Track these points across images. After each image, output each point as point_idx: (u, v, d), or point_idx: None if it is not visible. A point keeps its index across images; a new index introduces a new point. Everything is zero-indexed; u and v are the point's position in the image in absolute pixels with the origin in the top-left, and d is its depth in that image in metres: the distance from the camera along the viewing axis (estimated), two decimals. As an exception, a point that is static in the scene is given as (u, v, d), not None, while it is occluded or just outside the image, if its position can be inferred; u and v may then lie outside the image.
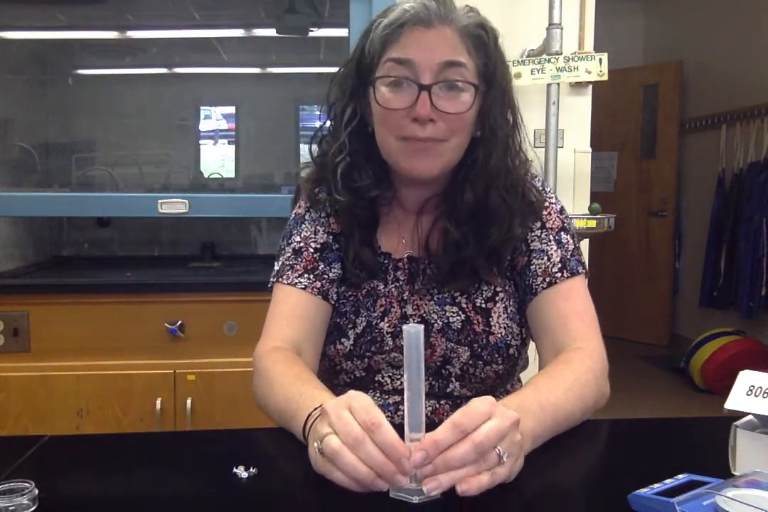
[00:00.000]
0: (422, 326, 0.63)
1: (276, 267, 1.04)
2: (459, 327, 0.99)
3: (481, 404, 0.65)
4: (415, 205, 1.04)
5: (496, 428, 0.63)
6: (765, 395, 0.68)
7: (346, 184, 1.00)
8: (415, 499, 0.62)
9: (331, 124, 1.03)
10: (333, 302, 1.02)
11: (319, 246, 1.03)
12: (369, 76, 0.95)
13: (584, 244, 2.33)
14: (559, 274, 0.98)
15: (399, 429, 0.64)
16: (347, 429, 0.63)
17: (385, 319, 1.01)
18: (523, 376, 1.14)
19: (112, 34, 2.70)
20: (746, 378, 0.71)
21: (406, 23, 0.90)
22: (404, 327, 0.63)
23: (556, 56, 2.08)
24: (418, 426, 0.63)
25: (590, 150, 2.40)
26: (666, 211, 4.90)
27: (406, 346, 0.63)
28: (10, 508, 0.61)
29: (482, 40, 0.94)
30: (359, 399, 0.66)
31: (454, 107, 0.91)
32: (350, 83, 0.98)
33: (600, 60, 2.09)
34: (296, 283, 1.00)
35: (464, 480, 0.62)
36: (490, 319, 1.00)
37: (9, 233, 2.24)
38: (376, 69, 0.94)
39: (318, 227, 1.05)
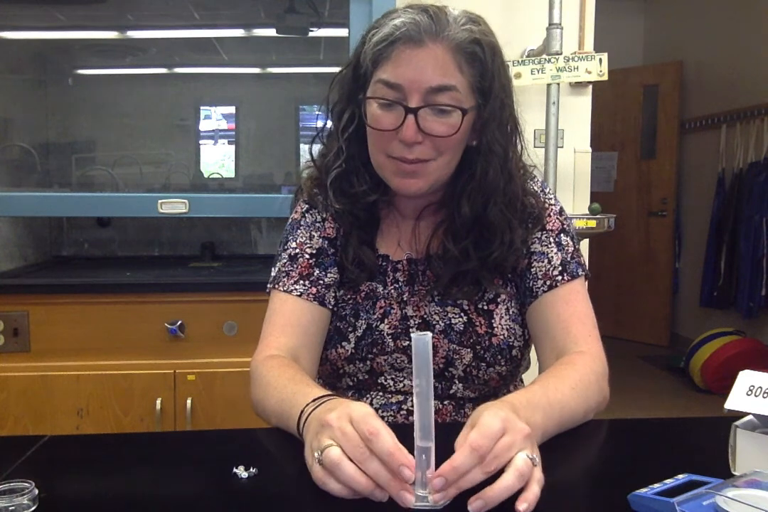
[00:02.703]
0: (430, 334, 0.63)
1: (273, 273, 1.04)
2: (461, 329, 0.99)
3: (494, 421, 0.64)
4: (413, 211, 1.04)
5: (507, 444, 0.63)
6: (765, 395, 0.68)
7: (343, 190, 1.00)
8: (438, 506, 0.62)
9: (331, 126, 1.03)
10: (330, 307, 1.02)
11: (314, 251, 1.03)
12: (363, 84, 0.95)
13: (584, 244, 2.33)
14: (559, 277, 0.99)
15: (400, 429, 0.64)
16: (352, 443, 0.63)
17: (385, 321, 1.01)
18: (525, 377, 1.14)
19: (112, 34, 2.69)
20: (746, 378, 0.71)
21: (396, 41, 0.89)
22: (413, 335, 0.63)
23: (556, 56, 2.08)
24: (428, 435, 0.63)
25: (590, 150, 2.40)
26: (666, 211, 4.90)
27: (415, 355, 0.62)
28: (10, 508, 0.61)
29: (476, 56, 0.91)
30: (358, 410, 0.65)
31: (442, 130, 0.90)
32: (347, 89, 0.98)
33: (600, 60, 2.09)
34: (292, 290, 1.00)
35: (523, 498, 0.61)
36: (493, 321, 1.00)
37: (9, 233, 2.24)
38: (368, 83, 0.93)
39: (313, 232, 1.05)
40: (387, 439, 0.62)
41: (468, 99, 0.92)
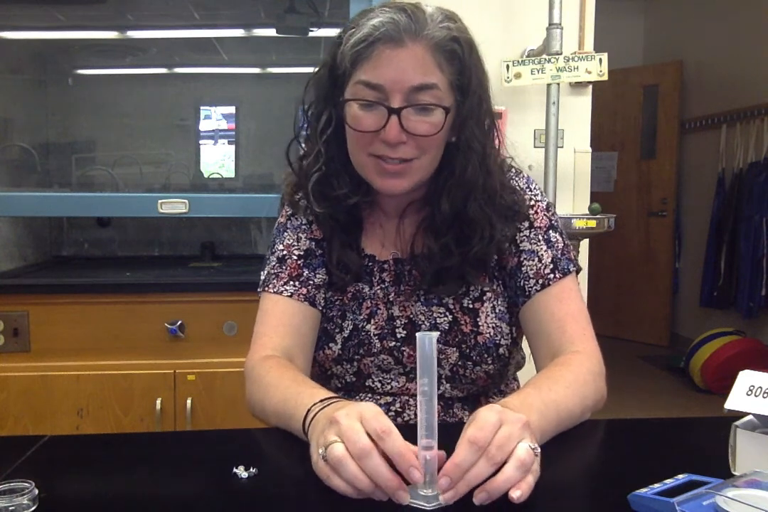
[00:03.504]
0: (437, 333, 0.63)
1: (262, 277, 1.04)
2: (447, 328, 0.99)
3: (490, 415, 0.65)
4: (396, 210, 1.04)
5: (506, 435, 0.64)
6: (765, 395, 0.68)
7: (323, 193, 0.99)
8: (428, 507, 0.62)
9: (307, 128, 1.03)
10: (320, 308, 1.02)
11: (302, 253, 1.03)
12: (341, 85, 0.94)
13: (584, 244, 2.33)
14: (551, 275, 0.98)
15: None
16: (354, 439, 0.63)
17: (372, 321, 1.01)
18: (520, 375, 1.14)
19: (112, 34, 2.69)
20: (746, 378, 0.71)
21: (376, 42, 0.88)
22: (417, 334, 0.63)
23: (556, 56, 2.08)
24: (431, 433, 0.63)
25: (590, 150, 2.40)
26: (666, 211, 4.90)
27: (420, 353, 0.63)
28: (10, 508, 0.61)
29: (455, 53, 0.91)
30: (369, 409, 0.66)
31: (424, 129, 0.90)
32: (323, 91, 0.97)
33: (600, 60, 2.09)
34: (282, 291, 1.00)
35: (516, 487, 0.62)
36: (478, 319, 1.00)
37: (9, 233, 2.24)
38: (347, 84, 0.92)
39: (300, 234, 1.05)
40: (398, 439, 0.62)
41: (448, 97, 0.92)
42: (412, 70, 0.88)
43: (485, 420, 0.64)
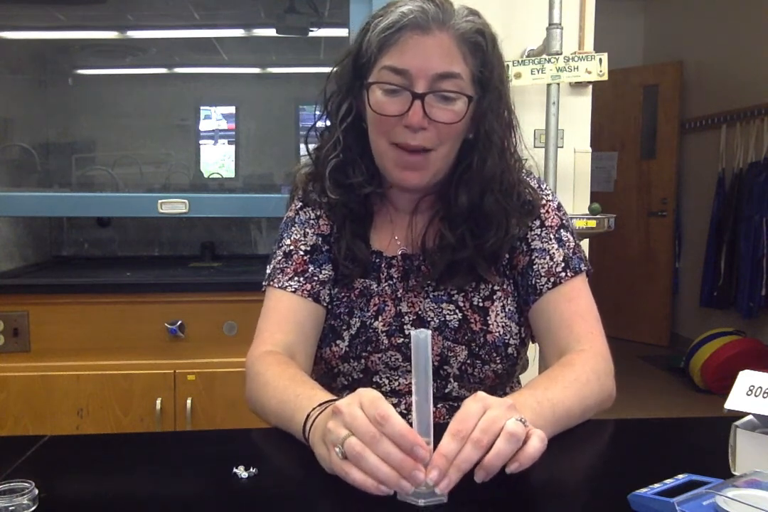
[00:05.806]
0: (429, 331, 0.63)
1: (268, 271, 1.05)
2: (456, 325, 0.99)
3: (475, 405, 0.66)
4: (408, 204, 1.04)
5: (491, 418, 0.64)
6: (765, 395, 0.68)
7: (338, 181, 1.01)
8: (421, 502, 0.62)
9: (326, 119, 1.04)
10: (325, 304, 1.02)
11: (308, 248, 1.04)
12: (365, 74, 0.95)
13: (584, 244, 2.33)
14: (563, 274, 0.99)
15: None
16: (363, 428, 0.63)
17: (380, 318, 1.01)
18: (523, 378, 1.13)
19: (112, 34, 2.69)
20: (746, 378, 0.71)
21: (404, 28, 0.90)
22: (412, 332, 0.63)
23: (556, 56, 2.08)
24: (426, 431, 0.63)
25: (590, 150, 2.40)
26: (666, 211, 4.90)
27: (414, 351, 0.63)
28: (10, 508, 0.61)
29: (480, 46, 0.93)
30: (368, 394, 0.65)
31: (447, 116, 0.91)
32: (346, 80, 0.98)
33: (600, 60, 2.09)
34: (286, 287, 1.00)
35: (514, 458, 0.63)
36: (488, 318, 1.00)
37: (9, 233, 2.24)
38: (372, 70, 0.94)
39: (307, 229, 1.05)
40: (397, 421, 0.62)
41: (470, 88, 0.93)
42: (438, 57, 0.90)
43: (467, 411, 0.65)
